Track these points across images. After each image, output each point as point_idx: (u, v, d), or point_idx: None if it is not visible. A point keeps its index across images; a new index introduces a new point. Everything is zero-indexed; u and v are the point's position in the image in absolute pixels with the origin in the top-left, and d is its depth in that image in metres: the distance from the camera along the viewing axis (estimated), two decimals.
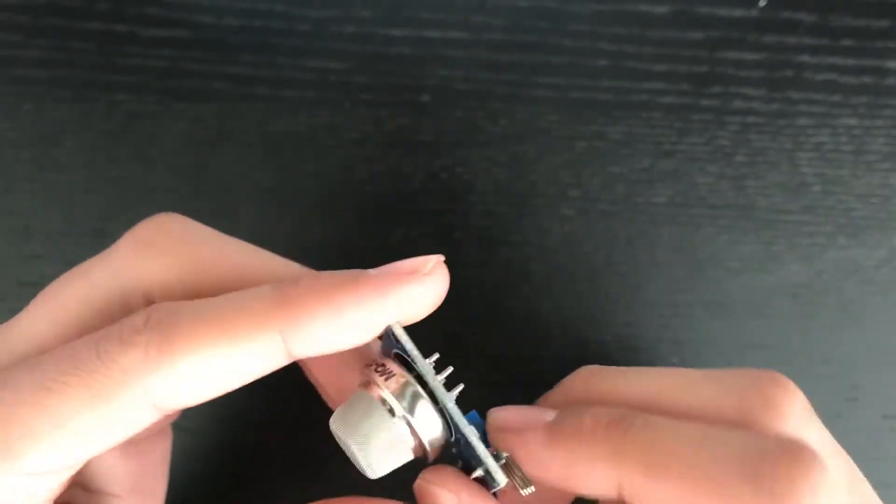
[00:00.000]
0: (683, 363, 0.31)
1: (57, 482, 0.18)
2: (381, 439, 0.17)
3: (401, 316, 0.17)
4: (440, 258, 0.17)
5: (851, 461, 0.18)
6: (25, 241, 0.31)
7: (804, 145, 0.31)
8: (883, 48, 0.31)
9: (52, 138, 0.31)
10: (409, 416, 0.17)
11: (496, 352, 0.31)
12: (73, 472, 0.18)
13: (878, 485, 0.31)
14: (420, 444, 0.18)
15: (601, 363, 0.31)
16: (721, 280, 0.31)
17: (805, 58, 0.31)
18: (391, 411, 0.17)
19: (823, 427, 0.18)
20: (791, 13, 0.31)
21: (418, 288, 0.17)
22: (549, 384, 0.24)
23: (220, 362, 0.16)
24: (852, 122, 0.31)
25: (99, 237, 0.31)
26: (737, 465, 0.15)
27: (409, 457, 0.18)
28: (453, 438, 0.18)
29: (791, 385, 0.17)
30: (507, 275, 0.31)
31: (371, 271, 0.17)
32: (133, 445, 0.21)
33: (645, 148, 0.31)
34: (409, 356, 0.17)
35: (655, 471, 0.16)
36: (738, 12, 0.31)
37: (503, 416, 0.18)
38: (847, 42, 0.31)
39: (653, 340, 0.31)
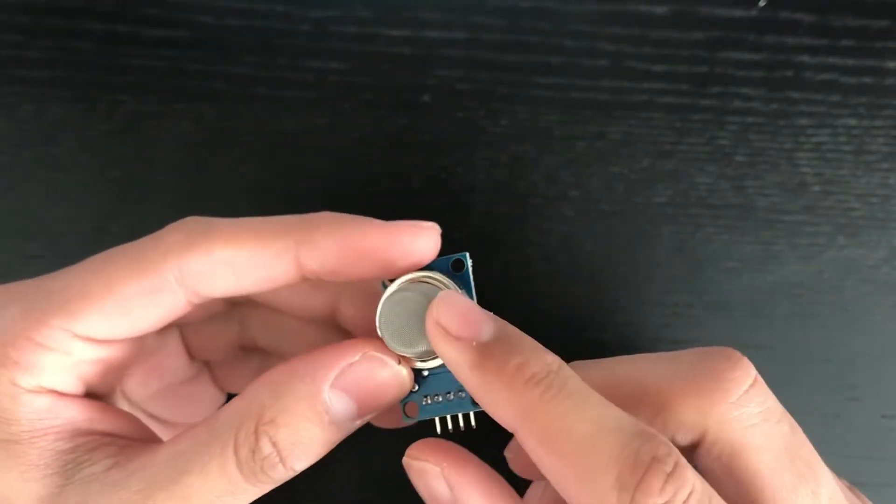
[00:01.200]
0: None
1: (124, 357, 0.21)
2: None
3: (394, 254, 0.20)
4: (435, 225, 0.20)
5: (797, 427, 0.20)
6: (27, 241, 0.31)
7: (804, 145, 0.31)
8: (882, 48, 0.31)
9: (53, 138, 0.31)
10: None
11: None
12: (121, 353, 0.21)
13: (878, 484, 0.31)
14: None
15: None
16: (721, 280, 0.31)
17: (804, 58, 0.31)
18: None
19: (769, 394, 0.19)
20: (790, 13, 0.31)
21: (411, 238, 0.20)
22: None
23: (247, 257, 0.20)
24: (852, 122, 0.31)
25: (100, 236, 0.31)
26: (611, 464, 0.16)
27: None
28: None
29: (737, 357, 0.19)
30: (507, 275, 0.31)
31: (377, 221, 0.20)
32: (172, 389, 0.25)
33: (645, 148, 0.31)
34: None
35: (542, 441, 0.17)
36: (738, 13, 0.31)
37: (446, 310, 0.19)
38: (846, 42, 0.31)
39: (653, 340, 0.31)
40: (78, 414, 0.20)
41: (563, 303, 0.31)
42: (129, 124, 0.31)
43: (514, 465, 0.23)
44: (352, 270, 0.20)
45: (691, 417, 0.19)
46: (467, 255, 0.21)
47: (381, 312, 0.20)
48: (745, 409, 0.19)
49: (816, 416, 0.31)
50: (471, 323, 0.18)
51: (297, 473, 0.19)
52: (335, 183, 0.31)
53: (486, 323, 0.19)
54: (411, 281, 0.20)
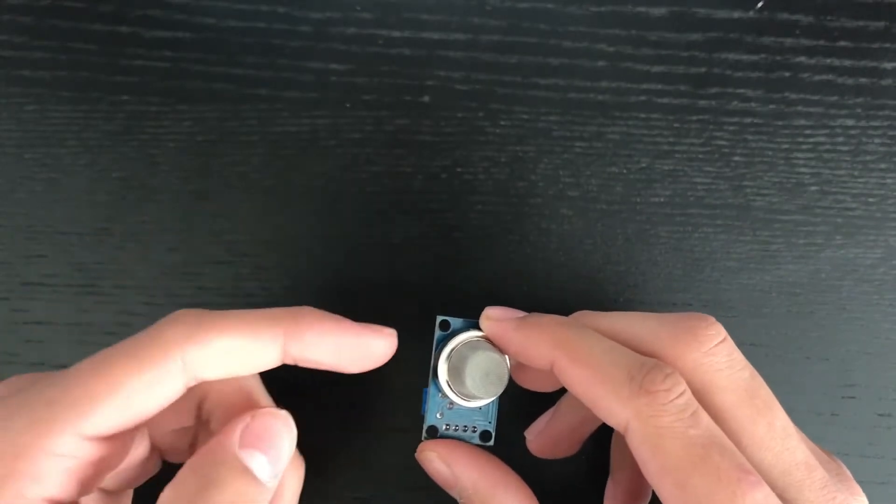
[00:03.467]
0: None
1: (115, 454, 0.22)
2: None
3: (361, 351, 0.24)
4: (393, 331, 0.25)
5: (757, 375, 0.23)
6: (29, 241, 0.31)
7: (801, 146, 0.31)
8: (879, 49, 0.31)
9: (56, 139, 0.31)
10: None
11: None
12: (128, 444, 0.23)
13: (875, 482, 0.32)
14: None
15: None
16: (719, 279, 0.31)
17: (802, 59, 0.31)
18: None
19: (735, 349, 0.23)
20: (788, 15, 0.31)
21: (375, 340, 0.24)
22: None
23: (241, 345, 0.23)
24: (849, 122, 0.31)
25: (102, 237, 0.31)
26: (622, 367, 0.22)
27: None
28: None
29: (711, 320, 0.23)
30: (507, 275, 0.31)
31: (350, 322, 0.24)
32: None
33: (643, 148, 0.31)
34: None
35: (573, 359, 0.23)
36: (736, 14, 0.31)
37: (492, 311, 0.26)
38: (844, 43, 0.31)
39: None
40: None
41: (563, 302, 0.31)
42: (131, 125, 0.31)
43: (532, 446, 0.29)
44: (324, 359, 0.24)
45: (670, 362, 0.23)
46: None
47: (462, 361, 0.25)
48: (713, 358, 0.23)
49: (814, 414, 0.31)
50: (510, 312, 0.25)
51: None
52: (336, 183, 0.31)
53: (518, 312, 0.25)
54: (477, 340, 0.26)
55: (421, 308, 0.31)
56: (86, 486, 0.22)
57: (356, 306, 0.31)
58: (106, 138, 0.31)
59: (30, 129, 0.31)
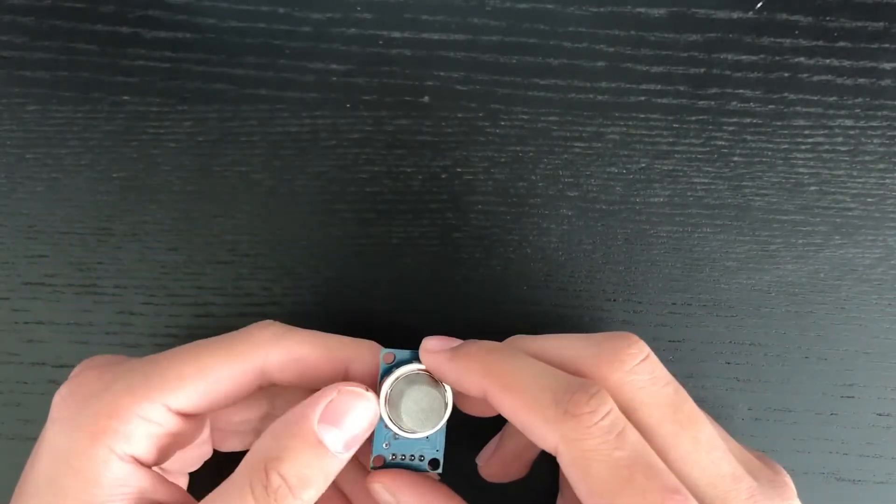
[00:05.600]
0: (680, 361, 0.31)
1: (189, 433, 0.25)
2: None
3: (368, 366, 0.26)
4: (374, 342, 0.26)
5: (682, 390, 0.24)
6: (30, 241, 0.31)
7: (800, 146, 0.31)
8: (878, 49, 0.31)
9: (57, 139, 0.31)
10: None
11: None
12: (201, 426, 0.26)
13: (874, 481, 0.32)
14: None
15: None
16: (718, 279, 0.31)
17: (801, 59, 0.31)
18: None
19: (658, 366, 0.24)
20: (787, 15, 0.31)
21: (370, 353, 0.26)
22: None
23: (314, 360, 0.25)
24: (848, 122, 0.31)
25: (103, 237, 0.31)
26: (548, 390, 0.22)
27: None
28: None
29: (633, 339, 0.24)
30: (506, 275, 0.31)
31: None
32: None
33: (642, 148, 0.31)
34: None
35: (502, 386, 0.23)
36: (735, 14, 0.31)
37: (429, 343, 0.26)
38: (843, 44, 0.31)
39: (650, 339, 0.31)
40: (146, 484, 0.24)
41: (562, 302, 0.31)
42: (132, 125, 0.31)
43: (483, 472, 0.29)
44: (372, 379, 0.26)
45: (597, 382, 0.23)
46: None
47: (393, 395, 0.25)
48: (636, 377, 0.23)
49: (813, 414, 0.31)
50: (446, 342, 0.25)
51: None
52: (336, 183, 0.31)
53: (456, 341, 0.25)
54: (417, 374, 0.26)
55: (421, 308, 0.31)
56: (162, 454, 0.24)
57: (356, 307, 0.31)
58: (107, 138, 0.31)
59: (31, 129, 0.31)
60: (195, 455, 0.29)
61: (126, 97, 0.31)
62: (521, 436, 0.27)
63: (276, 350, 0.25)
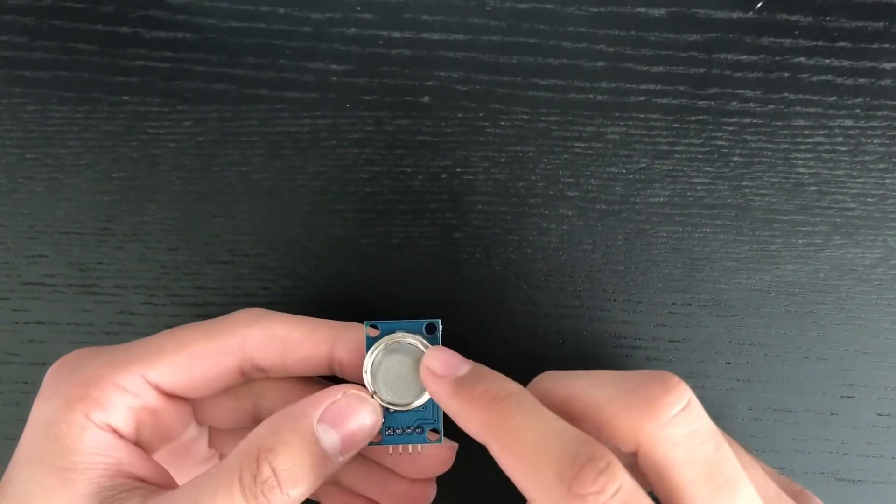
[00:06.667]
0: (680, 361, 0.31)
1: (172, 419, 0.26)
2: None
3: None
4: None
5: (725, 446, 0.21)
6: (30, 241, 0.31)
7: (800, 146, 0.31)
8: (878, 49, 0.31)
9: (57, 139, 0.31)
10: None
11: (495, 351, 0.31)
12: (185, 414, 0.26)
13: (874, 481, 0.32)
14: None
15: (599, 361, 0.31)
16: (718, 279, 0.31)
17: (801, 59, 0.31)
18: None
19: (699, 417, 0.21)
20: (787, 15, 0.31)
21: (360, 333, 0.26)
22: None
23: (295, 338, 0.25)
24: (848, 122, 0.31)
25: (103, 237, 0.31)
26: (553, 461, 0.20)
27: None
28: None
29: (674, 382, 0.21)
30: (506, 275, 0.31)
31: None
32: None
33: (642, 148, 0.31)
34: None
35: (503, 447, 0.21)
36: (735, 14, 0.31)
37: (434, 360, 0.24)
38: (843, 44, 0.31)
39: (650, 339, 0.31)
40: (125, 456, 0.24)
41: (562, 302, 0.31)
42: (132, 125, 0.31)
43: None
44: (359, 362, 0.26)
45: (625, 434, 0.21)
46: (439, 321, 0.26)
47: (374, 366, 0.25)
48: (672, 430, 0.21)
49: (813, 414, 0.31)
50: (451, 365, 0.24)
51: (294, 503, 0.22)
52: (336, 183, 0.31)
53: (463, 365, 0.24)
54: (398, 342, 0.25)
55: (421, 309, 0.31)
56: (143, 431, 0.25)
57: (356, 306, 0.31)
58: (107, 138, 0.31)
59: (31, 129, 0.31)
60: (192, 455, 0.28)
61: (126, 97, 0.31)
62: None
63: (256, 329, 0.25)
